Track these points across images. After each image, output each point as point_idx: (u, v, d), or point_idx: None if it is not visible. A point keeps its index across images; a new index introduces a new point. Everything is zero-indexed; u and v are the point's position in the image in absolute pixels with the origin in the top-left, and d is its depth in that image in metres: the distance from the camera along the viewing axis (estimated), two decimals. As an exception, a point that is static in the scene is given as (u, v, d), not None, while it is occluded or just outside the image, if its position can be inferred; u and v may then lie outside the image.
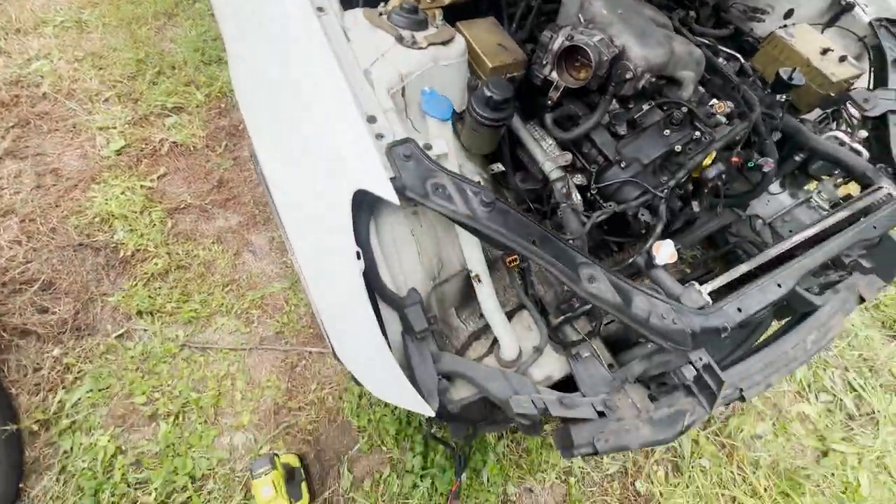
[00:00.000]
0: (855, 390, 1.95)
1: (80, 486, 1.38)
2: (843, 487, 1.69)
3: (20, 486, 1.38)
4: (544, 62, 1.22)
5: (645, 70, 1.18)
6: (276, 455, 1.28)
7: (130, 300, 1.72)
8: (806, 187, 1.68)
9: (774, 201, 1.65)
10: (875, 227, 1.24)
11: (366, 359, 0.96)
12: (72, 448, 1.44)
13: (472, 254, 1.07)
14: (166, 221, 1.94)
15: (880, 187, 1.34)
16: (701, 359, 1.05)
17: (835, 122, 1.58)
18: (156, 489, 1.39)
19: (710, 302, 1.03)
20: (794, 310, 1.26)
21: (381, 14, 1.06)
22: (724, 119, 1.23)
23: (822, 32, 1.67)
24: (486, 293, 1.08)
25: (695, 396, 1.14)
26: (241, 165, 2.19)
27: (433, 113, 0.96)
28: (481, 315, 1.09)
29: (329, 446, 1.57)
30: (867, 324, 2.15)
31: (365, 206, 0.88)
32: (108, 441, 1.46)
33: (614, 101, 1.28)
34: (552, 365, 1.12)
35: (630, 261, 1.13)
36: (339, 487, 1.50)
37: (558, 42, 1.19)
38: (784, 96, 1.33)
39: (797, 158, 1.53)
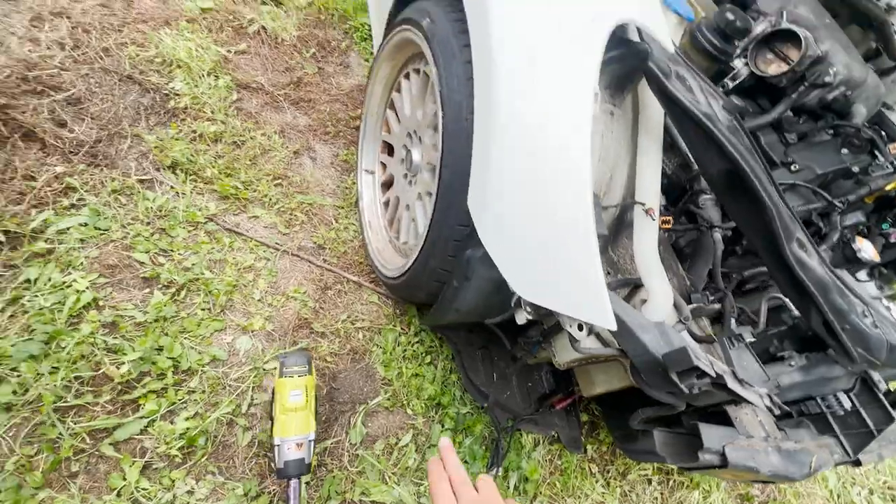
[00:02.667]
0: (881, 515, 1.82)
1: (30, 326, 1.03)
2: None
3: (-50, 299, 1.02)
4: (735, 44, 1.15)
5: (843, 81, 1.13)
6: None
7: (166, 150, 1.44)
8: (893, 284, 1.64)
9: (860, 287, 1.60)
10: None
11: (547, 249, 0.75)
12: (36, 280, 1.10)
13: (651, 183, 0.91)
14: (232, 93, 1.71)
15: None
16: (872, 386, 0.90)
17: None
18: (129, 362, 1.06)
19: (900, 321, 0.90)
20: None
21: None
22: (894, 161, 1.18)
23: None
24: (651, 234, 0.91)
25: (833, 435, 0.97)
26: (325, 78, 2.02)
27: (677, 9, 0.84)
28: (613, 272, 0.92)
29: (346, 388, 1.28)
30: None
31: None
32: (87, 288, 1.12)
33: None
34: (692, 344, 0.94)
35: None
36: (347, 439, 1.20)
37: (762, 26, 1.13)
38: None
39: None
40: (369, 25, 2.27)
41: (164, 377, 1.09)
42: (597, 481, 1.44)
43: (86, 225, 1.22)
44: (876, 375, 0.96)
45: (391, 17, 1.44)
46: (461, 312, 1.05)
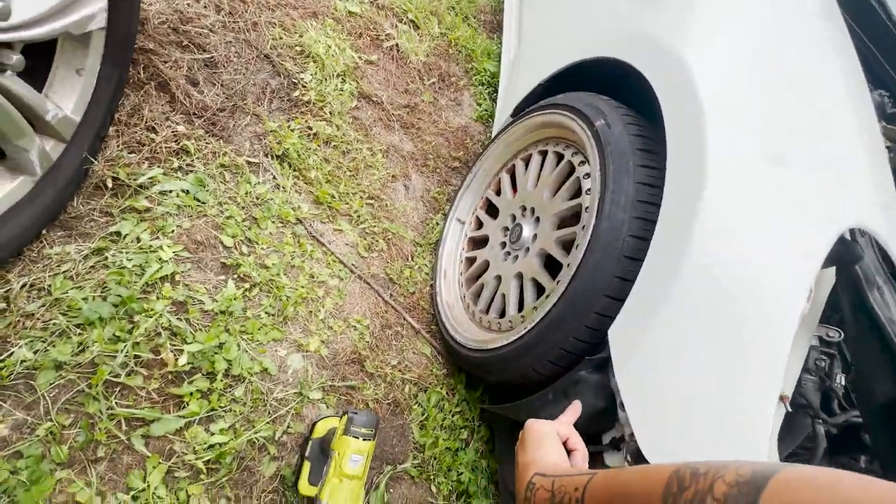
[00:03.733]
0: None
1: (105, 283, 0.99)
2: None
3: (43, 231, 0.98)
4: None
5: None
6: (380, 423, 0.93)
7: (280, 139, 1.42)
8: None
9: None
10: None
11: (703, 427, 0.69)
12: (125, 236, 1.06)
13: (793, 371, 0.85)
14: (353, 99, 1.71)
15: None
16: None
17: None
18: (189, 353, 1.00)
19: None
20: None
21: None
22: None
23: None
24: (777, 419, 0.84)
25: None
26: (437, 110, 2.02)
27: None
28: None
29: (379, 443, 1.20)
30: None
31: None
32: (170, 259, 1.08)
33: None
34: None
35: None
36: (367, 500, 1.11)
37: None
38: None
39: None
40: (492, 73, 2.29)
41: (214, 379, 1.02)
42: None
43: (187, 192, 1.19)
44: None
45: (539, 92, 1.43)
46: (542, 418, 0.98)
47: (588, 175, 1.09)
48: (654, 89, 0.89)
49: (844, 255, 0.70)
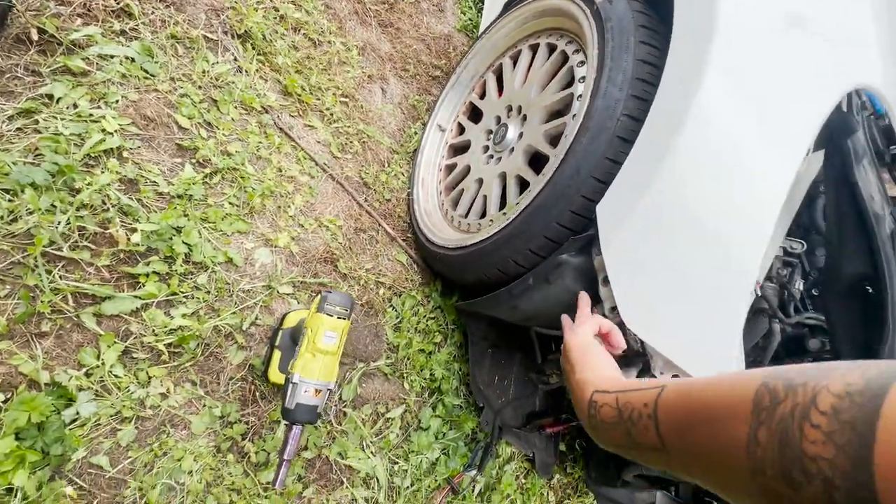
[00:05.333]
0: None
1: (39, 150, 0.86)
2: None
3: (-47, 81, 0.83)
4: None
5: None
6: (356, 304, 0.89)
7: (242, 17, 1.26)
8: None
9: None
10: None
11: (691, 299, 0.68)
12: (59, 100, 0.92)
13: (767, 258, 0.87)
14: (325, -14, 1.53)
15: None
16: None
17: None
18: (142, 232, 0.91)
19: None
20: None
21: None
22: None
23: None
24: (744, 306, 0.87)
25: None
26: (418, 12, 1.85)
27: (874, 101, 0.79)
28: None
29: (352, 341, 1.18)
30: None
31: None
32: (116, 130, 0.96)
33: None
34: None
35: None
36: (339, 393, 1.11)
37: None
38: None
39: None
40: (478, -22, 2.11)
41: (174, 262, 0.95)
42: (550, 511, 1.43)
43: (132, 61, 1.04)
44: None
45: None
46: (517, 310, 0.98)
47: (582, 63, 1.02)
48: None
49: (840, 126, 0.69)
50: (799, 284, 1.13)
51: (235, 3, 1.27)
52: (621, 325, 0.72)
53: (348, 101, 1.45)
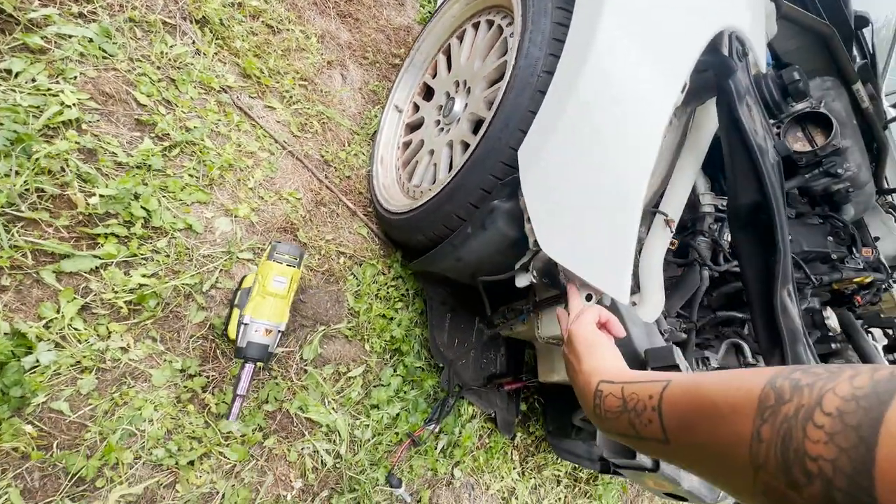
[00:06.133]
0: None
1: (-2, 120, 0.91)
2: None
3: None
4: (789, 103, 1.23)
5: (850, 178, 1.24)
6: (302, 271, 0.95)
7: (199, 3, 1.32)
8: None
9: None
10: None
11: (586, 216, 0.76)
12: (18, 74, 0.97)
13: (679, 198, 0.96)
14: (283, -23, 1.60)
15: None
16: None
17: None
18: (99, 197, 0.96)
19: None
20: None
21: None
22: (862, 262, 1.31)
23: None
24: (662, 244, 0.96)
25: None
26: (377, 3, 1.94)
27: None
28: None
29: (313, 305, 1.23)
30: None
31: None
32: (74, 104, 1.01)
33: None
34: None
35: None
36: (300, 353, 1.16)
37: (802, 104, 1.23)
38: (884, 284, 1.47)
39: (833, 346, 1.67)
40: (436, -26, 2.21)
41: (132, 226, 1.00)
42: (514, 468, 1.49)
43: (91, 41, 1.09)
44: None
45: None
46: (461, 261, 1.05)
47: (514, 33, 1.11)
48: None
49: (721, 68, 0.78)
50: (727, 237, 1.23)
51: (196, -9, 1.33)
52: (546, 272, 0.79)
53: (307, 84, 1.52)
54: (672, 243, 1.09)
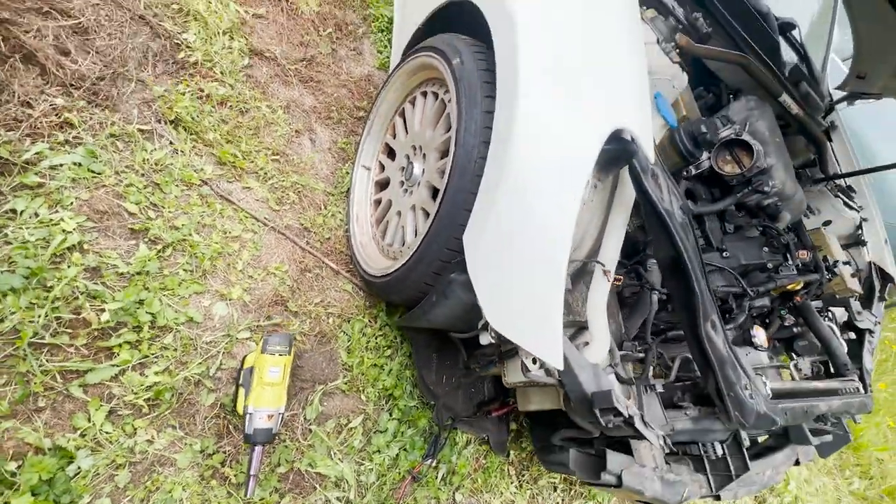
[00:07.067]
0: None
1: (12, 258, 1.04)
2: None
3: (-69, 216, 1.01)
4: (702, 150, 1.36)
5: (777, 193, 1.37)
6: (295, 338, 1.09)
7: (171, 103, 1.44)
8: (781, 357, 1.98)
9: (755, 355, 1.92)
10: (853, 407, 1.49)
11: (521, 292, 0.89)
12: (22, 212, 1.10)
13: (613, 250, 1.09)
14: (244, 57, 1.71)
15: (852, 380, 1.64)
16: (737, 441, 1.13)
17: (826, 318, 1.93)
18: (110, 310, 1.09)
19: (770, 395, 1.15)
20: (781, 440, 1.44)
21: (651, 17, 1.13)
22: (800, 264, 1.45)
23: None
24: (604, 291, 1.09)
25: (704, 474, 1.21)
26: (336, 61, 2.05)
27: (666, 115, 1.02)
28: (566, 312, 1.10)
29: (310, 367, 1.37)
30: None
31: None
32: (74, 229, 1.14)
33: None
34: (615, 388, 1.14)
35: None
36: (303, 414, 1.30)
37: (727, 131, 1.35)
38: (828, 275, 1.61)
39: (795, 330, 1.82)
40: (389, 19, 2.31)
41: (141, 330, 1.13)
42: (512, 482, 1.64)
43: (80, 165, 1.22)
44: (743, 434, 1.21)
45: (418, 36, 1.52)
46: (432, 323, 1.18)
47: (455, 110, 1.24)
48: (489, 26, 1.03)
49: (622, 153, 0.91)
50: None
51: (164, 92, 1.45)
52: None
53: (280, 157, 1.64)
54: (618, 279, 1.23)
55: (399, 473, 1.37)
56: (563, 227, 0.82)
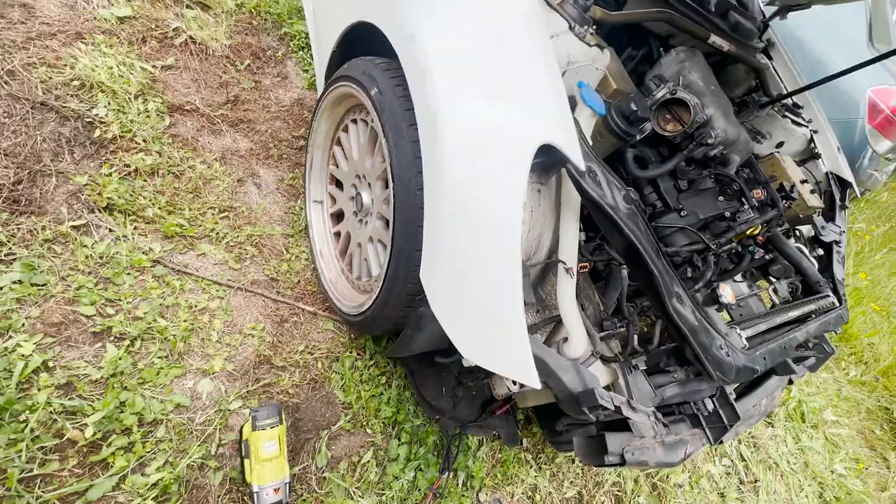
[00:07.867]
0: (745, 460, 2.33)
1: (-23, 400, 1.02)
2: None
3: None
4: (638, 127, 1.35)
5: (721, 141, 1.38)
6: (283, 406, 1.10)
7: (100, 189, 1.38)
8: (758, 283, 2.04)
9: (735, 287, 1.97)
10: (830, 324, 1.56)
11: (484, 320, 0.90)
12: (-27, 348, 1.07)
13: (571, 246, 1.10)
14: (164, 118, 1.64)
15: (827, 295, 1.70)
16: (723, 394, 1.19)
17: (793, 238, 1.98)
18: (93, 423, 1.08)
19: (747, 346, 1.19)
20: (768, 373, 1.50)
21: (558, 2, 1.10)
22: (756, 203, 1.48)
23: (795, 168, 2.11)
24: (570, 287, 1.11)
25: (701, 428, 1.27)
26: (263, 92, 1.97)
27: (592, 105, 1.00)
28: (541, 309, 1.12)
29: (309, 416, 1.39)
30: (756, 408, 2.60)
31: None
32: (33, 351, 1.11)
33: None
34: (601, 372, 1.17)
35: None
36: (314, 464, 1.32)
37: (662, 92, 1.34)
38: (787, 203, 1.65)
39: (767, 257, 1.87)
40: (307, 34, 2.21)
41: (130, 432, 1.13)
42: (531, 467, 1.70)
43: (20, 282, 1.18)
44: (729, 388, 1.27)
45: (336, 59, 1.46)
46: (416, 351, 1.19)
47: (387, 138, 1.20)
48: (395, 51, 0.99)
49: (555, 163, 0.90)
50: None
51: (88, 179, 1.39)
52: None
53: (228, 213, 1.60)
54: (584, 266, 1.24)
55: (420, 493, 1.42)
56: (511, 248, 0.82)
